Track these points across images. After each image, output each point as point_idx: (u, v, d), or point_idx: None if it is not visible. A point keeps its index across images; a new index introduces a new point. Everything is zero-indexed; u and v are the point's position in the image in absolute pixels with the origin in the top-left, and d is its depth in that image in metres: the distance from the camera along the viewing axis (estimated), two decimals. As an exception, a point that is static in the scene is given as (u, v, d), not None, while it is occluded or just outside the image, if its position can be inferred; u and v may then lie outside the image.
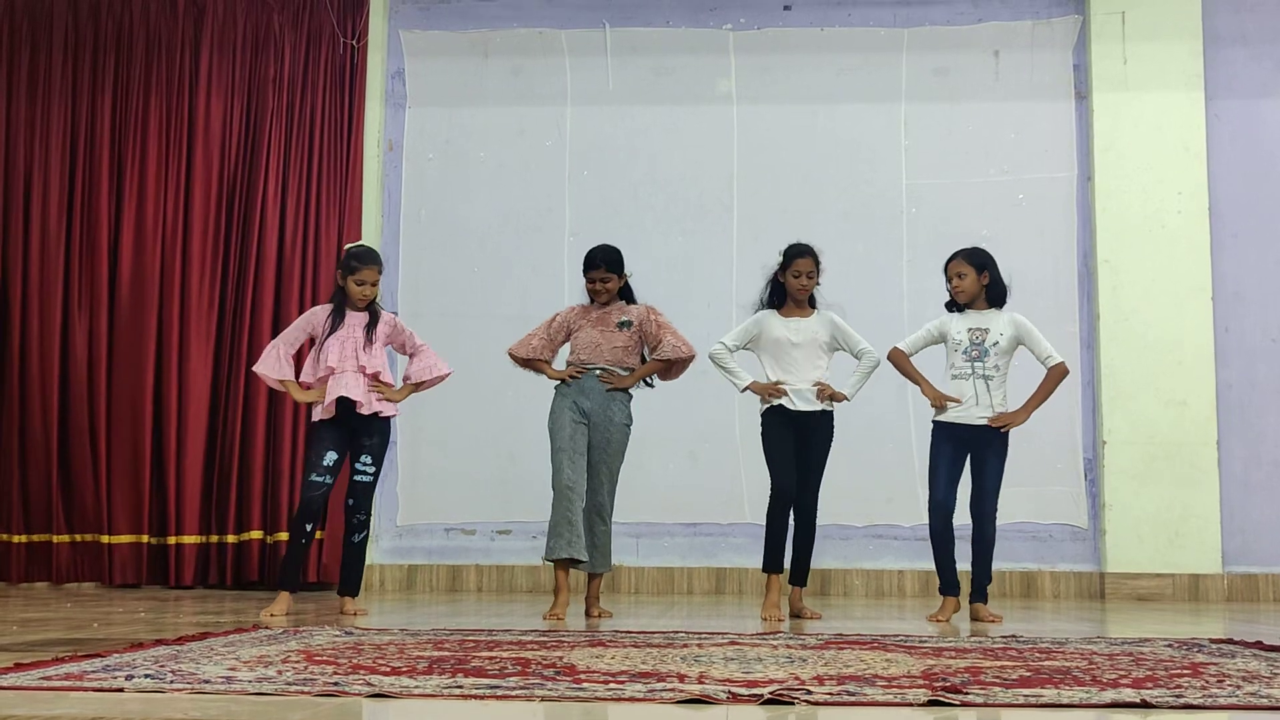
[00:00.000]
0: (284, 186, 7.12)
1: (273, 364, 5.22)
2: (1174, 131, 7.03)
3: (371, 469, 5.17)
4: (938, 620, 5.02)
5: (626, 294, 5.39)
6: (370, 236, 7.19)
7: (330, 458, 5.11)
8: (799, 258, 5.30)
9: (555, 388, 5.33)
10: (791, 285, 5.31)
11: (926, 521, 6.74)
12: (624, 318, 5.29)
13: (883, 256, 7.12)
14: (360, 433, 5.18)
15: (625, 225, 7.22)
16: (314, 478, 5.09)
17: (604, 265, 5.27)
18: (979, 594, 5.14)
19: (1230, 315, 6.96)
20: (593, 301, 5.36)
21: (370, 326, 5.20)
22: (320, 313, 5.26)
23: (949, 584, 5.16)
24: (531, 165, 7.33)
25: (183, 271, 7.04)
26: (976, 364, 5.15)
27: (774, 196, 7.19)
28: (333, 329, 5.17)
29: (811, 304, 5.41)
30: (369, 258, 5.23)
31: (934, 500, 5.18)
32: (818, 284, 5.36)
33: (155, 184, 7.13)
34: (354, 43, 7.25)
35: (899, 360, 5.33)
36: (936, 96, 7.24)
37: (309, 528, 5.11)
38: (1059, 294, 7.04)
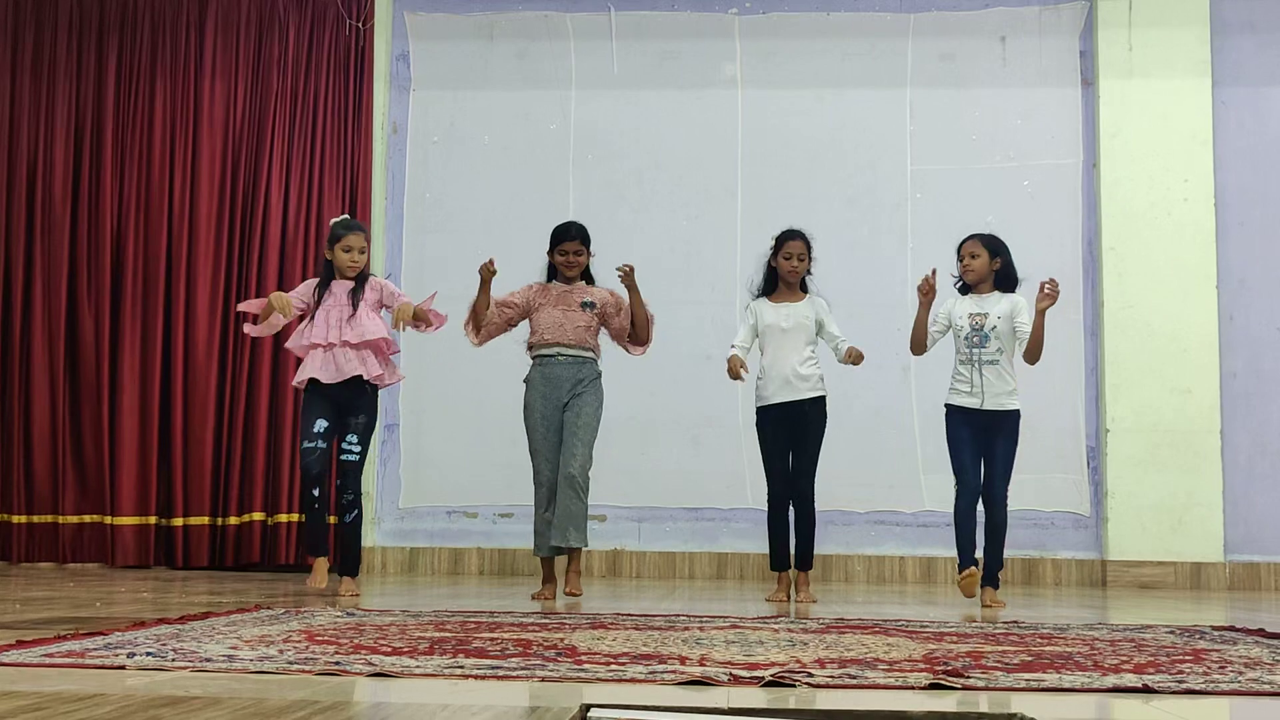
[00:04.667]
0: (288, 169, 7.11)
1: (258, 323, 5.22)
2: (1180, 119, 7.00)
3: (357, 448, 5.15)
4: (968, 580, 5.06)
5: (587, 275, 5.41)
6: (375, 219, 7.19)
7: (321, 425, 5.11)
8: (790, 240, 5.39)
9: (525, 380, 5.32)
10: (783, 267, 5.38)
11: (929, 508, 6.83)
12: (587, 298, 5.30)
13: (887, 242, 7.11)
14: (347, 409, 5.15)
15: (629, 209, 7.22)
16: (306, 444, 5.12)
17: (579, 239, 5.29)
18: (990, 579, 5.14)
19: (1235, 304, 6.95)
20: (554, 276, 5.35)
21: (355, 293, 5.16)
22: (311, 284, 5.26)
23: (970, 559, 5.16)
24: (536, 149, 7.32)
25: (188, 253, 7.04)
26: (977, 350, 5.15)
27: (779, 181, 7.18)
28: (319, 301, 5.17)
29: (803, 288, 5.45)
30: (354, 225, 5.25)
31: (963, 481, 5.14)
32: (809, 270, 5.41)
33: (160, 165, 7.13)
34: (360, 25, 7.23)
35: (914, 338, 5.27)
36: (943, 82, 7.22)
37: (316, 492, 5.11)
38: (1064, 281, 6.94)
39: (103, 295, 7.04)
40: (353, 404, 5.15)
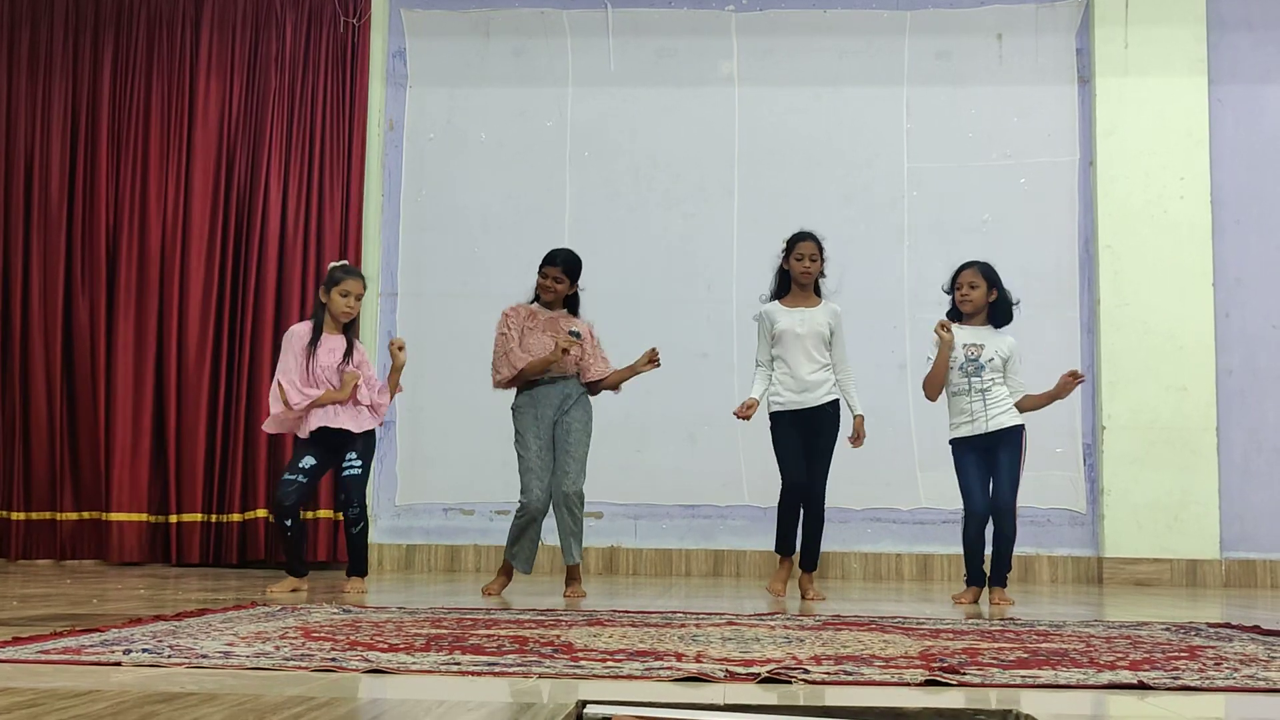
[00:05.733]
0: (285, 165, 7.11)
1: (294, 398, 5.13)
2: (1177, 116, 7.01)
3: (359, 463, 5.21)
4: (962, 601, 5.07)
5: (572, 304, 5.40)
6: (371, 216, 7.19)
7: (308, 462, 5.16)
8: (801, 241, 5.38)
9: (513, 408, 5.31)
10: (795, 269, 5.36)
11: (925, 505, 6.83)
12: (574, 328, 5.28)
13: (883, 240, 7.11)
14: (344, 442, 5.22)
15: (626, 207, 7.22)
16: (286, 476, 5.16)
17: (561, 265, 5.27)
18: (999, 580, 5.14)
19: (1231, 301, 6.95)
20: (536, 299, 5.34)
21: (348, 354, 5.21)
22: (301, 331, 5.24)
23: (976, 578, 5.18)
24: (533, 146, 7.31)
25: (184, 250, 7.04)
26: (973, 379, 5.16)
27: (775, 179, 7.18)
28: (313, 350, 5.16)
29: (817, 293, 5.43)
30: (353, 271, 5.29)
31: (971, 513, 5.17)
32: (822, 272, 5.40)
33: (156, 162, 7.12)
34: (355, 21, 7.22)
35: (927, 383, 5.26)
36: (939, 80, 7.22)
37: (288, 523, 5.14)
38: (1060, 279, 7.03)
39: (98, 292, 7.03)
40: (348, 435, 5.22)
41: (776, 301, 5.44)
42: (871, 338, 6.64)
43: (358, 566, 5.36)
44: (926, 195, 7.13)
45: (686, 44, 7.32)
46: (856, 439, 5.41)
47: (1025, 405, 5.26)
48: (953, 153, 7.16)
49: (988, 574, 5.17)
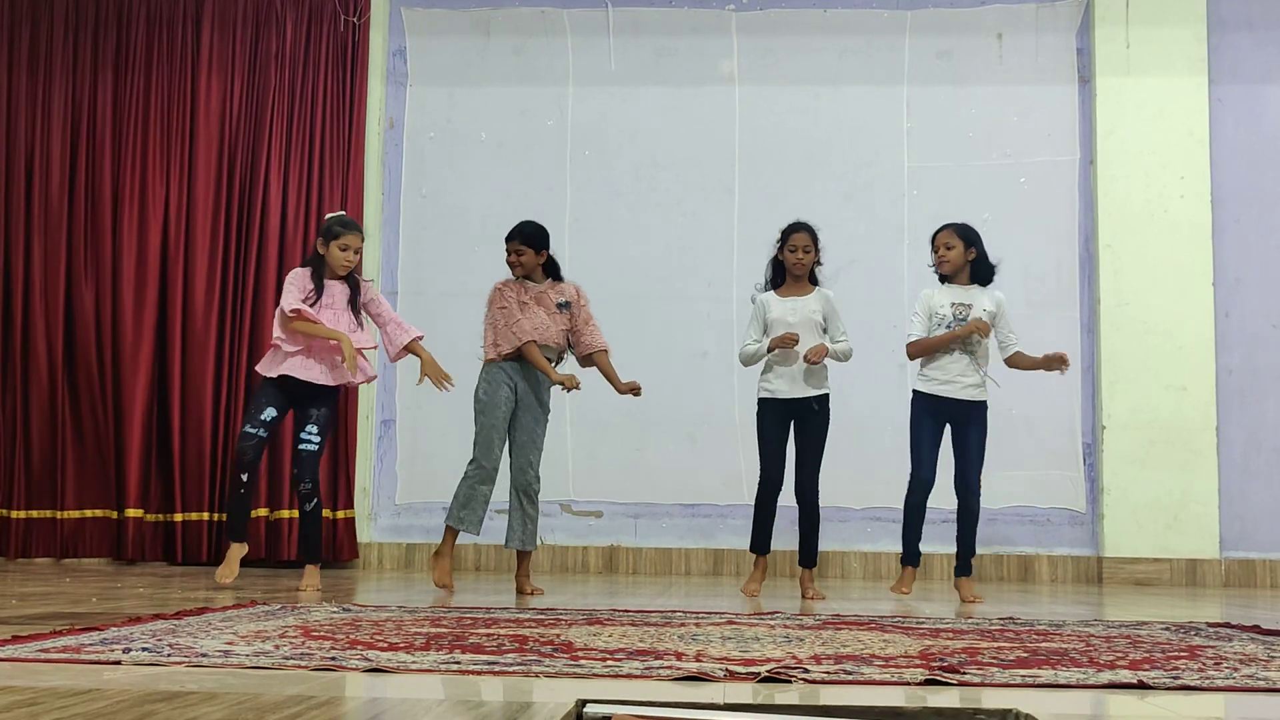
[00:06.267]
0: (286, 163, 7.11)
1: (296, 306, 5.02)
2: (1177, 116, 7.01)
3: (317, 439, 5.11)
4: (902, 592, 5.14)
5: (553, 270, 5.42)
6: (371, 214, 7.19)
7: (269, 414, 5.09)
8: (795, 232, 5.38)
9: (491, 361, 5.31)
10: (789, 260, 5.36)
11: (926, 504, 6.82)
12: (561, 299, 5.34)
13: (884, 238, 7.11)
14: (308, 401, 5.13)
15: (626, 206, 7.21)
16: (248, 429, 5.08)
17: (518, 239, 5.31)
18: (965, 568, 5.18)
19: (1231, 301, 6.96)
20: (513, 273, 5.38)
21: (353, 300, 5.17)
22: (304, 275, 5.14)
23: (913, 555, 5.22)
24: (533, 145, 7.31)
25: (186, 248, 7.04)
26: (959, 340, 5.17)
27: (776, 178, 7.18)
28: (317, 298, 5.11)
29: (813, 281, 5.43)
30: (353, 224, 5.21)
31: (919, 478, 5.21)
32: (817, 261, 5.39)
33: (157, 160, 7.12)
34: (355, 20, 7.22)
35: (920, 348, 5.23)
36: (939, 79, 7.22)
37: (244, 477, 5.10)
38: (1060, 278, 7.04)
39: (103, 292, 7.02)
40: (316, 397, 5.14)
41: (772, 291, 5.44)
42: (871, 337, 6.63)
43: (312, 552, 5.19)
44: (926, 195, 7.13)
45: (687, 43, 7.32)
46: (811, 351, 5.20)
47: (1020, 362, 5.26)
48: (953, 152, 7.16)
49: (952, 560, 5.21)
